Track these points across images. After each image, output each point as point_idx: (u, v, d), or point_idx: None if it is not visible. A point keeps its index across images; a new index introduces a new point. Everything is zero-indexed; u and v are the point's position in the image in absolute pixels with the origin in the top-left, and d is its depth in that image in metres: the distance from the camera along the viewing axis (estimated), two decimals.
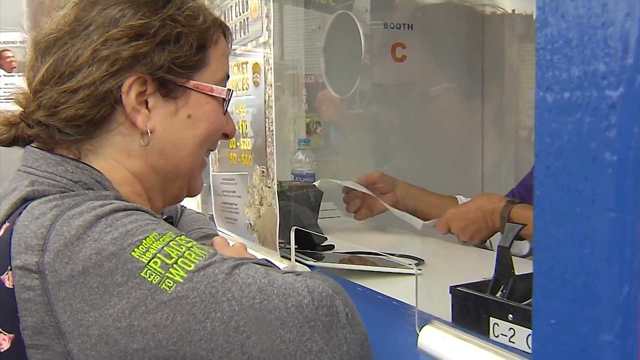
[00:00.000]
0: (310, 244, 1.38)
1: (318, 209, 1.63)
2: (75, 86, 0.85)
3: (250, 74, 1.37)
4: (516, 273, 0.94)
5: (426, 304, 0.96)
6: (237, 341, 0.70)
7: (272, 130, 1.29)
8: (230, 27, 1.45)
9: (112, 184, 0.89)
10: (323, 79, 2.25)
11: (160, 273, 0.72)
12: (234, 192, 1.49)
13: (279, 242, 1.33)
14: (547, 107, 0.57)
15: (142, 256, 0.73)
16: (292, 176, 1.81)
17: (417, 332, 0.87)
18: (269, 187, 1.32)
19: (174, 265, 0.72)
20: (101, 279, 0.71)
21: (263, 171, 1.35)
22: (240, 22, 1.40)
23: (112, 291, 0.71)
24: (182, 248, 0.75)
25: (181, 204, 1.31)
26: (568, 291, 0.55)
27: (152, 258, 0.73)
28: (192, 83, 0.92)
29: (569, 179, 0.55)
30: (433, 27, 2.49)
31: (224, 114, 0.99)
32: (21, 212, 0.79)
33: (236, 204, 1.49)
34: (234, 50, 1.44)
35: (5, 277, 0.75)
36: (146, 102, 0.89)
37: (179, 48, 0.90)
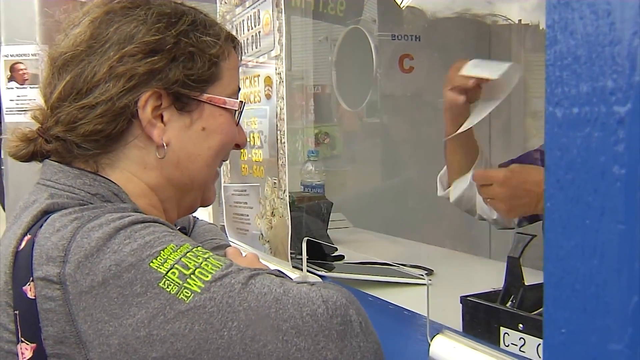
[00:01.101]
0: (321, 255, 1.39)
1: (328, 220, 1.65)
2: (93, 102, 0.87)
3: (262, 86, 1.39)
4: (526, 283, 0.95)
5: (437, 313, 0.98)
6: (253, 350, 0.71)
7: (284, 142, 1.31)
8: (242, 41, 1.47)
9: (129, 197, 0.90)
10: (335, 92, 2.27)
11: (179, 283, 0.73)
12: (246, 203, 1.50)
13: (290, 253, 1.34)
14: (557, 122, 0.58)
15: (161, 267, 0.74)
16: (302, 187, 1.83)
17: (429, 341, 0.88)
18: (281, 199, 1.34)
19: (192, 276, 0.74)
20: (121, 290, 0.73)
21: (275, 182, 1.36)
22: (252, 36, 1.42)
23: (131, 301, 0.73)
24: (199, 259, 0.76)
25: (193, 215, 1.33)
26: (578, 301, 0.56)
27: (170, 269, 0.74)
28: (205, 96, 0.94)
29: (578, 192, 0.56)
30: (441, 38, 2.50)
31: (237, 125, 1.01)
32: (42, 225, 0.80)
33: (248, 215, 1.50)
34: (246, 63, 1.46)
35: (27, 288, 0.77)
36: (161, 116, 0.91)
37: (193, 63, 0.92)
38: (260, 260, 1.05)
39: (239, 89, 1.02)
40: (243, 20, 1.46)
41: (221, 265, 0.77)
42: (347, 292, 0.78)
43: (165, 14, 0.93)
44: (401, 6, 2.64)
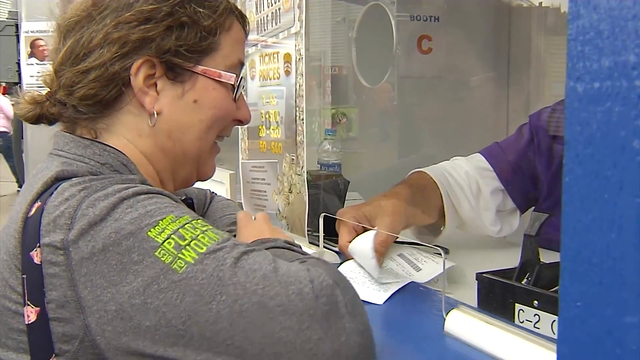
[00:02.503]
0: (337, 231, 1.40)
1: (344, 198, 1.66)
2: (88, 67, 0.90)
3: (281, 63, 1.39)
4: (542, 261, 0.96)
5: (452, 290, 0.99)
6: (240, 325, 0.72)
7: (303, 119, 1.32)
8: (262, 18, 1.48)
9: (137, 168, 0.93)
10: (354, 70, 2.26)
11: (174, 253, 0.74)
12: (264, 179, 1.52)
13: (307, 229, 1.35)
14: (577, 97, 0.59)
15: (158, 236, 0.75)
16: (319, 166, 1.84)
17: (444, 316, 0.89)
18: (299, 175, 1.35)
19: (187, 247, 0.75)
20: (119, 257, 0.74)
21: (293, 159, 1.37)
22: (272, 13, 1.42)
23: (128, 269, 0.74)
24: (196, 231, 0.77)
25: (211, 190, 1.34)
26: (594, 274, 0.57)
27: (167, 239, 0.75)
28: (199, 68, 0.95)
29: (597, 166, 0.56)
30: (460, 19, 2.49)
31: (235, 100, 1.01)
32: (52, 193, 0.82)
33: (265, 191, 1.52)
34: (265, 40, 1.47)
35: (34, 253, 0.79)
36: (155, 85, 0.93)
37: (187, 33, 0.94)
38: (271, 222, 1.07)
39: (242, 64, 1.02)
40: None
41: (217, 238, 0.78)
42: (335, 272, 0.78)
43: None
44: None
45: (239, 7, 1.59)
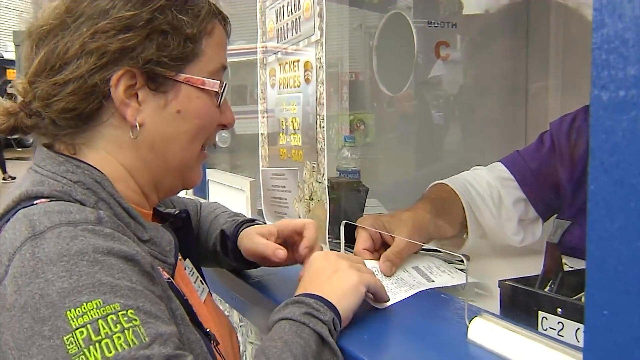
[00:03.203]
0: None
1: (364, 205, 1.66)
2: (65, 79, 0.86)
3: (301, 71, 1.40)
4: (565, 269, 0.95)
5: (474, 298, 0.99)
6: None
7: (323, 127, 1.32)
8: (282, 26, 1.49)
9: (111, 184, 0.88)
10: (375, 77, 2.27)
11: (80, 346, 0.68)
12: (284, 186, 1.52)
13: (328, 237, 1.36)
14: (602, 105, 0.59)
15: (74, 320, 0.69)
16: (338, 172, 1.84)
17: (467, 323, 0.89)
18: (319, 182, 1.36)
19: (96, 344, 0.69)
20: (33, 323, 0.70)
21: (313, 166, 1.38)
22: (292, 21, 1.43)
23: (35, 340, 0.69)
24: (116, 327, 0.70)
25: (199, 199, 1.34)
26: (620, 283, 0.57)
27: (81, 327, 0.69)
28: (182, 77, 0.91)
29: (622, 174, 0.56)
30: (477, 25, 2.49)
31: (218, 106, 0.97)
32: (9, 219, 0.80)
33: (286, 199, 1.52)
34: (286, 48, 1.48)
35: None
36: (137, 96, 0.89)
37: (168, 41, 0.89)
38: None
39: (225, 68, 0.98)
40: (283, 6, 1.48)
41: (135, 344, 0.70)
42: None
43: None
44: None
45: (257, 15, 1.61)
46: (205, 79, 0.94)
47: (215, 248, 1.26)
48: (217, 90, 0.95)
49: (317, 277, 0.97)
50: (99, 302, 0.71)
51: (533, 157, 1.59)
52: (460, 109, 2.55)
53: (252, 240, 1.17)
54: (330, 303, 0.90)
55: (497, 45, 2.55)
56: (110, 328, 0.70)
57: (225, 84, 0.97)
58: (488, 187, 1.52)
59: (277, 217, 1.56)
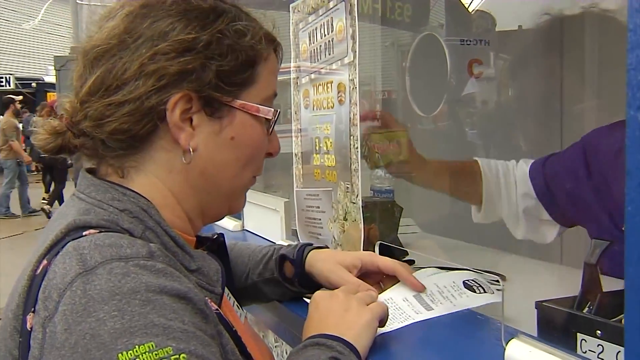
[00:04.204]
0: (392, 259, 1.40)
1: (398, 224, 1.66)
2: (120, 100, 0.85)
3: (335, 92, 1.41)
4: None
5: (511, 319, 0.98)
6: None
7: (357, 148, 1.33)
8: (316, 48, 1.51)
9: (157, 212, 0.87)
10: (408, 98, 2.28)
11: None
12: (318, 207, 1.53)
13: None
14: (638, 126, 0.59)
15: None
16: (371, 192, 1.84)
17: (504, 345, 0.88)
18: (353, 203, 1.36)
19: None
20: None
21: (347, 187, 1.38)
22: (325, 43, 1.45)
23: None
24: None
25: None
26: None
27: None
28: (238, 102, 0.91)
29: None
30: (510, 42, 2.48)
31: (270, 134, 0.97)
32: (58, 252, 0.78)
33: (320, 219, 1.53)
34: (319, 70, 1.49)
35: (29, 317, 0.76)
36: (190, 120, 0.88)
37: (227, 65, 0.88)
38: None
39: (276, 94, 0.98)
40: (316, 28, 1.49)
41: None
42: None
43: (203, 10, 0.89)
44: (469, 10, 2.63)
45: (290, 37, 1.63)
46: (259, 105, 0.93)
47: (260, 279, 1.23)
48: (269, 117, 0.95)
49: (331, 317, 0.96)
50: (152, 345, 0.69)
51: (556, 164, 1.62)
52: (494, 126, 2.54)
53: (335, 272, 1.15)
54: (352, 344, 0.90)
55: (531, 62, 2.53)
56: None
57: (279, 112, 0.96)
58: (507, 175, 1.66)
59: (311, 237, 1.57)
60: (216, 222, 2.17)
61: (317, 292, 1.05)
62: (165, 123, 0.87)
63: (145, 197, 0.87)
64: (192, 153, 0.89)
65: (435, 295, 1.14)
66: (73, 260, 0.75)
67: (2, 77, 19.52)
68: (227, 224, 2.12)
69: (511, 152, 2.45)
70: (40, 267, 0.78)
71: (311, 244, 1.24)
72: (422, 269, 1.22)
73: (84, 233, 0.79)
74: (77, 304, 0.71)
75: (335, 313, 0.96)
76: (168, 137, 0.89)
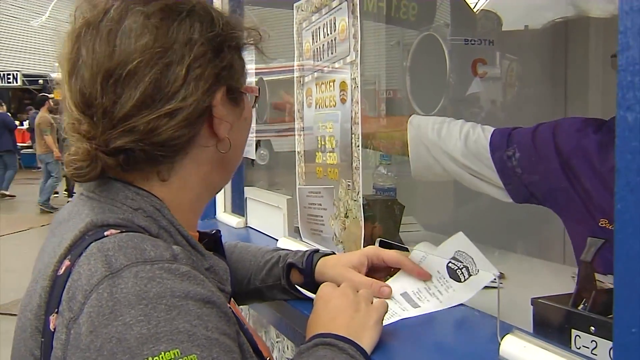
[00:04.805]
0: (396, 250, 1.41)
1: (400, 223, 1.67)
2: (174, 108, 0.84)
3: (337, 91, 1.43)
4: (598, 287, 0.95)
5: (507, 315, 0.99)
6: None
7: (358, 146, 1.35)
8: (318, 47, 1.52)
9: (170, 212, 0.87)
10: (408, 97, 2.29)
11: None
12: (320, 204, 1.55)
13: None
14: (628, 126, 0.60)
15: None
16: (374, 190, 1.86)
17: (499, 340, 0.90)
18: (355, 200, 1.38)
19: None
20: None
21: (349, 185, 1.40)
22: (328, 42, 1.46)
23: None
24: None
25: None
26: None
27: None
28: (244, 87, 0.97)
29: None
30: (515, 42, 2.48)
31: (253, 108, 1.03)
32: (81, 253, 0.77)
33: (322, 216, 1.55)
34: (322, 68, 1.51)
35: (52, 317, 0.76)
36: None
37: (239, 53, 0.95)
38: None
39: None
40: (319, 27, 1.51)
41: None
42: None
43: (196, 9, 0.91)
44: (475, 10, 2.63)
45: (294, 36, 1.65)
46: (252, 86, 1.00)
47: (263, 285, 1.23)
48: (257, 94, 1.02)
49: (341, 317, 0.97)
50: (177, 352, 0.69)
51: (522, 144, 1.53)
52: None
53: (345, 275, 1.16)
54: (362, 348, 0.92)
55: (536, 62, 2.54)
56: None
57: (259, 88, 1.03)
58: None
59: (313, 234, 1.59)
60: (220, 219, 2.20)
61: (323, 287, 1.06)
62: (202, 121, 0.90)
63: (157, 197, 0.88)
64: (230, 143, 0.93)
65: (422, 292, 1.16)
66: (98, 262, 0.75)
67: (9, 74, 19.58)
68: (231, 220, 2.14)
69: None
70: (63, 268, 0.78)
71: (317, 250, 1.25)
72: (412, 252, 1.22)
73: (105, 233, 0.79)
74: (103, 307, 0.71)
75: (345, 313, 0.97)
76: (204, 133, 0.91)
